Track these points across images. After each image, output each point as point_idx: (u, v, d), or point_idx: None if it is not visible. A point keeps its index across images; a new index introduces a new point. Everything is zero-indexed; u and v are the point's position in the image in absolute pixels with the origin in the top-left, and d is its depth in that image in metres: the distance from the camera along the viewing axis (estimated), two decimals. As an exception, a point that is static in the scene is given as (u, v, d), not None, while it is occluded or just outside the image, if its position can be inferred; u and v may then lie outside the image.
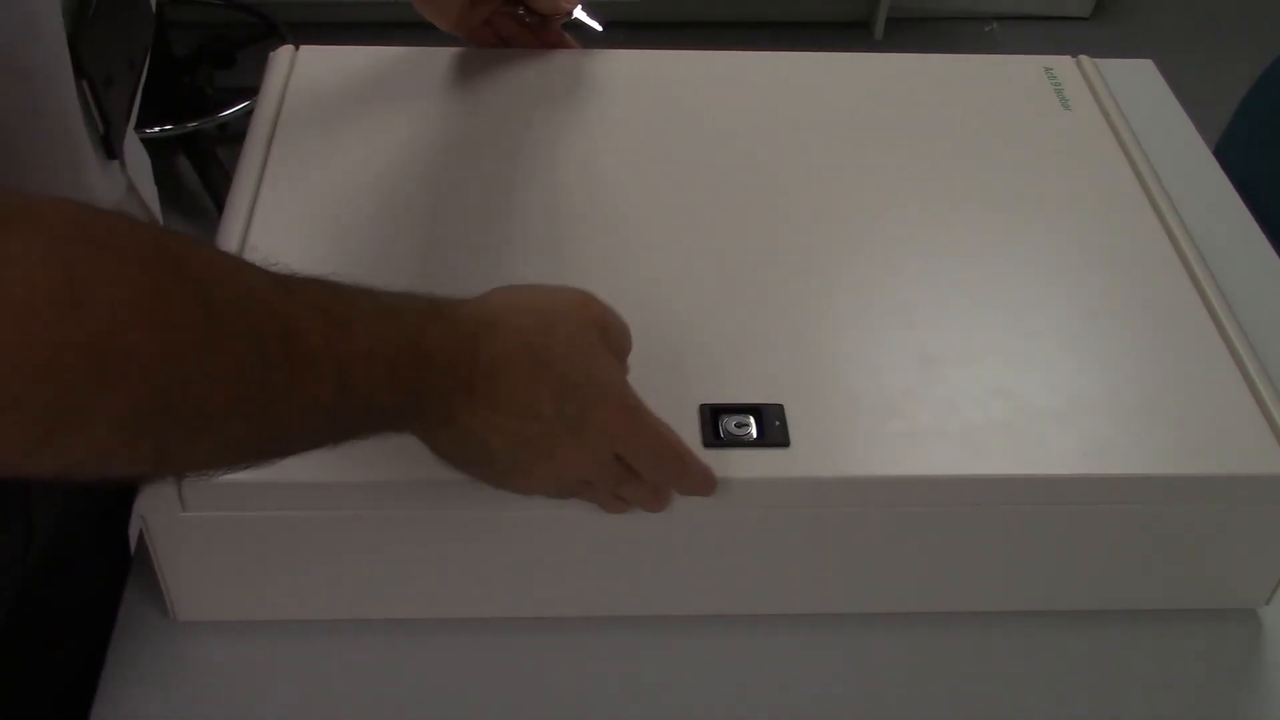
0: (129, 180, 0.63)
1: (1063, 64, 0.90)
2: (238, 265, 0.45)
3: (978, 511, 0.63)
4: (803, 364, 0.65)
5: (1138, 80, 1.00)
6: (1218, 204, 0.91)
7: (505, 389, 0.52)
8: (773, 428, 0.61)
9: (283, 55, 0.85)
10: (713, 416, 0.62)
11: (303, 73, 0.84)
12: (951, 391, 0.64)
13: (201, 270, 0.42)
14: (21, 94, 0.50)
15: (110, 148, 0.56)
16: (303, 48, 0.86)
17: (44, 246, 0.37)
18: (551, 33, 0.87)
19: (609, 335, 0.56)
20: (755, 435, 0.61)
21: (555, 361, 0.53)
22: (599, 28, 0.86)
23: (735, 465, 0.60)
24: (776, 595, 0.67)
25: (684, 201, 0.76)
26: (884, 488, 0.61)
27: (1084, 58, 0.91)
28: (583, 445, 0.54)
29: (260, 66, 0.84)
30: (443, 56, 0.86)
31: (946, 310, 0.69)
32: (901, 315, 0.69)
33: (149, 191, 0.66)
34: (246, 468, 0.46)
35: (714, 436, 0.61)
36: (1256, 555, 0.66)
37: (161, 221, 0.69)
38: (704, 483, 0.58)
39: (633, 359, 0.59)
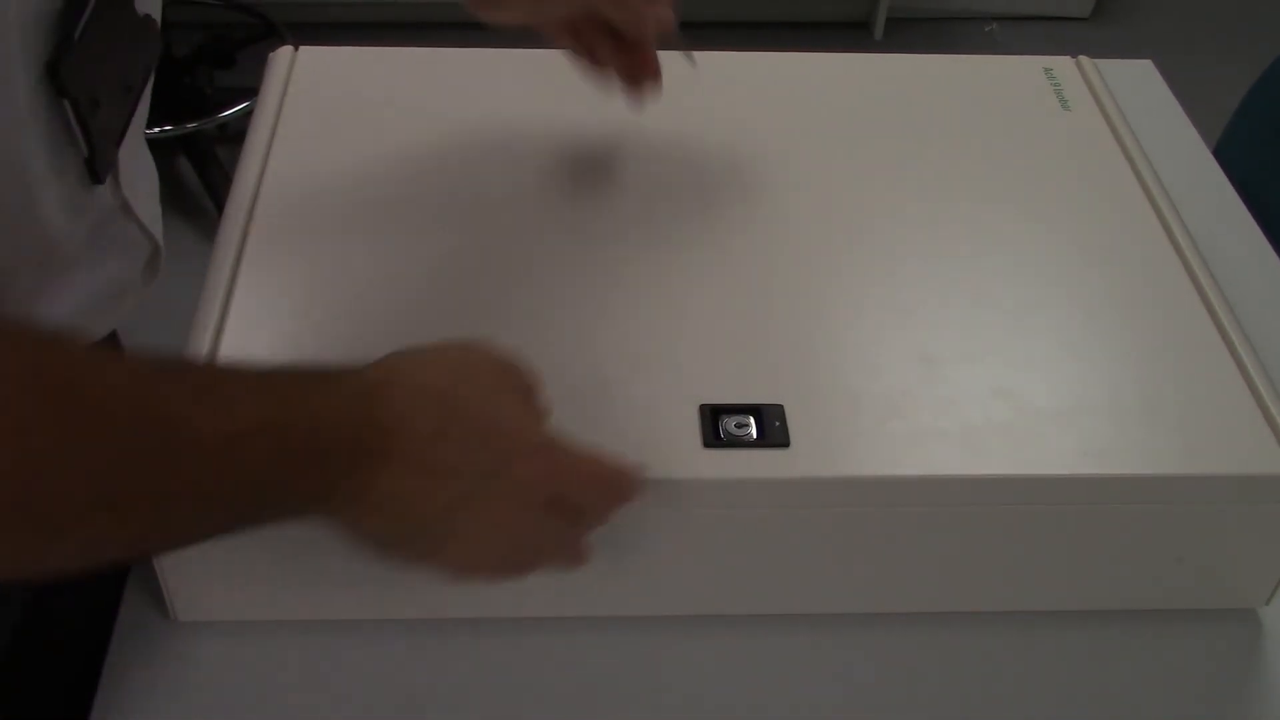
0: (123, 200, 0.61)
1: (1063, 64, 0.90)
2: (114, 363, 0.44)
3: (978, 511, 0.63)
4: (803, 364, 0.65)
5: (1137, 80, 1.00)
6: (1218, 204, 0.91)
7: (412, 447, 0.49)
8: (773, 428, 0.61)
9: (283, 55, 0.85)
10: (713, 416, 0.62)
11: (303, 73, 0.84)
12: (951, 391, 0.64)
13: (64, 366, 0.42)
14: None
15: (94, 172, 0.54)
16: (303, 48, 0.86)
17: None
18: (644, 54, 0.73)
19: (509, 376, 0.54)
20: (755, 435, 0.61)
21: (459, 412, 0.50)
22: (694, 63, 0.75)
23: (735, 465, 0.60)
24: (776, 595, 0.67)
25: (684, 202, 0.76)
26: (884, 488, 0.61)
27: (1084, 58, 0.91)
28: (513, 498, 0.51)
29: (260, 66, 0.84)
30: (443, 57, 0.86)
31: (946, 310, 0.69)
32: (901, 315, 0.69)
33: (149, 210, 0.64)
34: (123, 560, 0.45)
35: (714, 436, 0.61)
36: (1256, 555, 0.66)
37: (161, 237, 0.68)
38: (635, 488, 0.55)
39: (633, 360, 0.59)
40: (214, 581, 0.64)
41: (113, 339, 0.70)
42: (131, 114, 0.58)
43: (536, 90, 0.83)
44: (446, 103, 0.82)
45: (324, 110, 0.81)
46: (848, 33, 2.56)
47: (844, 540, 0.64)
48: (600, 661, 0.65)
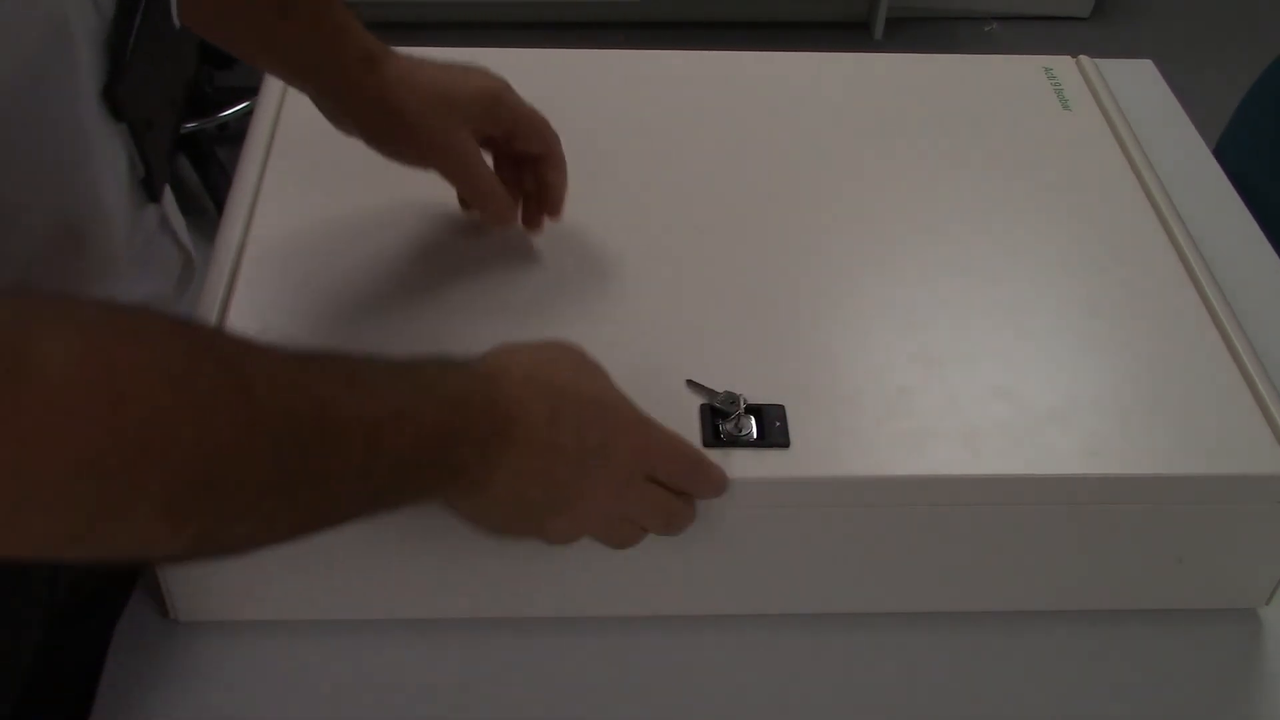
0: (162, 214, 0.62)
1: (1063, 64, 0.90)
2: (264, 346, 0.45)
3: (978, 511, 0.63)
4: (803, 364, 0.65)
5: (1138, 80, 1.00)
6: (1218, 204, 0.91)
7: (531, 430, 0.52)
8: (773, 428, 0.61)
9: (283, 55, 0.85)
10: (713, 417, 0.62)
11: (303, 73, 0.84)
12: (951, 391, 0.64)
13: (233, 353, 0.44)
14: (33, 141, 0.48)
15: (152, 191, 0.55)
16: (303, 48, 0.86)
17: (82, 344, 0.38)
18: (550, 201, 0.71)
19: (596, 365, 0.57)
20: (755, 435, 0.61)
21: (567, 393, 0.54)
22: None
23: (735, 465, 0.60)
24: (776, 595, 0.67)
25: (684, 202, 0.76)
26: (884, 488, 0.61)
27: (1084, 58, 0.91)
28: (614, 473, 0.55)
29: (260, 67, 0.84)
30: (442, 56, 0.86)
31: (946, 310, 0.69)
32: (901, 315, 0.69)
33: (179, 222, 0.65)
34: (283, 544, 0.47)
35: (714, 437, 0.61)
36: (1256, 555, 0.66)
37: (192, 247, 0.68)
38: (721, 481, 0.59)
39: (634, 360, 0.59)
40: (214, 581, 0.64)
41: None
42: (178, 129, 0.58)
43: (536, 90, 0.83)
44: (446, 103, 0.82)
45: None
46: (848, 33, 2.56)
47: (844, 540, 0.64)
48: (600, 662, 0.65)
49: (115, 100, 0.49)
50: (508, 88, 0.66)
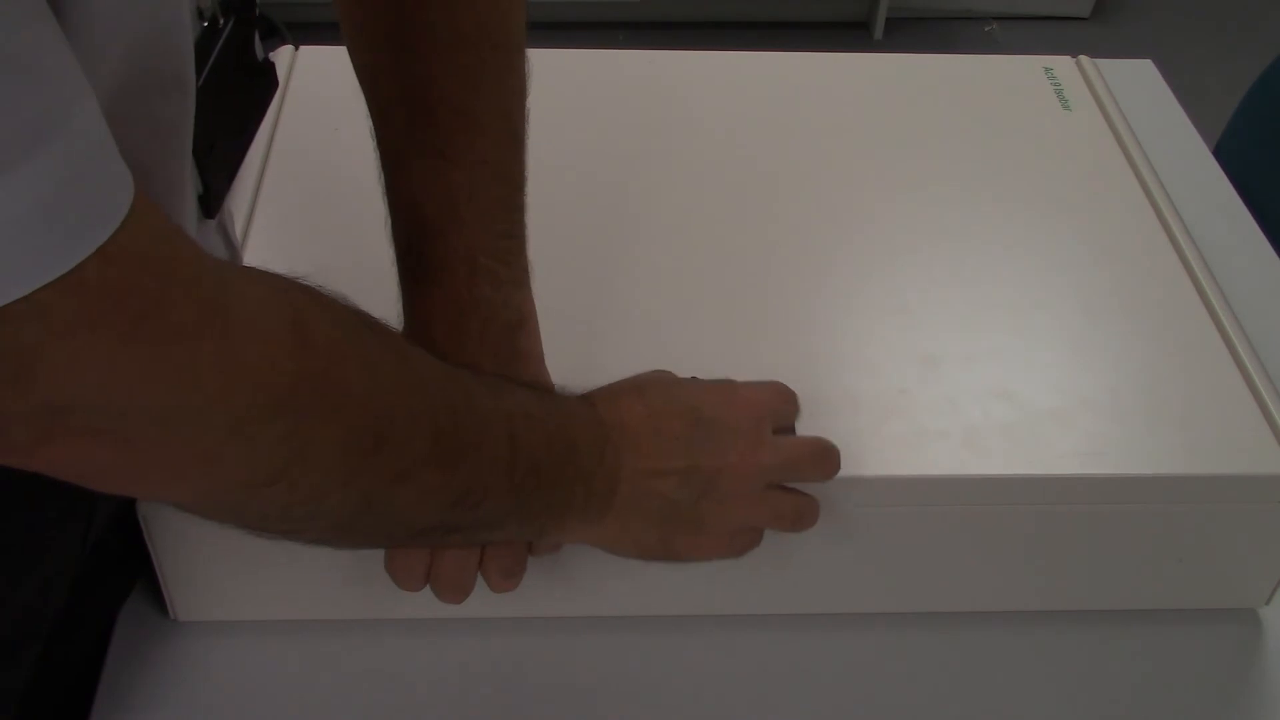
0: (223, 225, 0.62)
1: (1063, 64, 0.90)
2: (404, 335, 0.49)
3: (978, 511, 0.63)
4: (803, 364, 0.65)
5: (1138, 80, 1.00)
6: (1218, 204, 0.91)
7: (650, 447, 0.54)
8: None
9: (283, 55, 0.85)
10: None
11: (303, 73, 0.84)
12: (951, 391, 0.64)
13: (390, 333, 0.47)
14: (154, 143, 0.49)
15: (207, 207, 0.57)
16: (303, 48, 0.86)
17: (273, 292, 0.42)
18: None
19: (698, 383, 0.58)
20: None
21: (683, 414, 0.55)
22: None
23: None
24: (777, 595, 0.67)
25: (684, 202, 0.76)
26: (884, 488, 0.61)
27: (1084, 58, 0.91)
28: (734, 492, 0.56)
29: (260, 66, 0.84)
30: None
31: (947, 310, 0.69)
32: (901, 315, 0.69)
33: (232, 224, 0.65)
34: (440, 534, 0.50)
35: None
36: (1256, 555, 0.66)
37: (240, 248, 0.68)
38: (836, 462, 0.59)
39: (634, 361, 0.59)
40: (214, 581, 0.64)
41: None
42: (245, 151, 0.59)
43: (536, 90, 0.83)
44: (446, 103, 0.82)
45: (324, 110, 0.81)
46: (848, 33, 2.56)
47: (844, 540, 0.64)
48: (600, 661, 0.65)
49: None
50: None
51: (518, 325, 0.60)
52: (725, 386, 0.59)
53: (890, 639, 0.67)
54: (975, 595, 0.68)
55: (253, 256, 0.70)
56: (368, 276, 0.70)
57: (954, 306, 0.70)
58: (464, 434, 0.47)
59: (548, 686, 0.64)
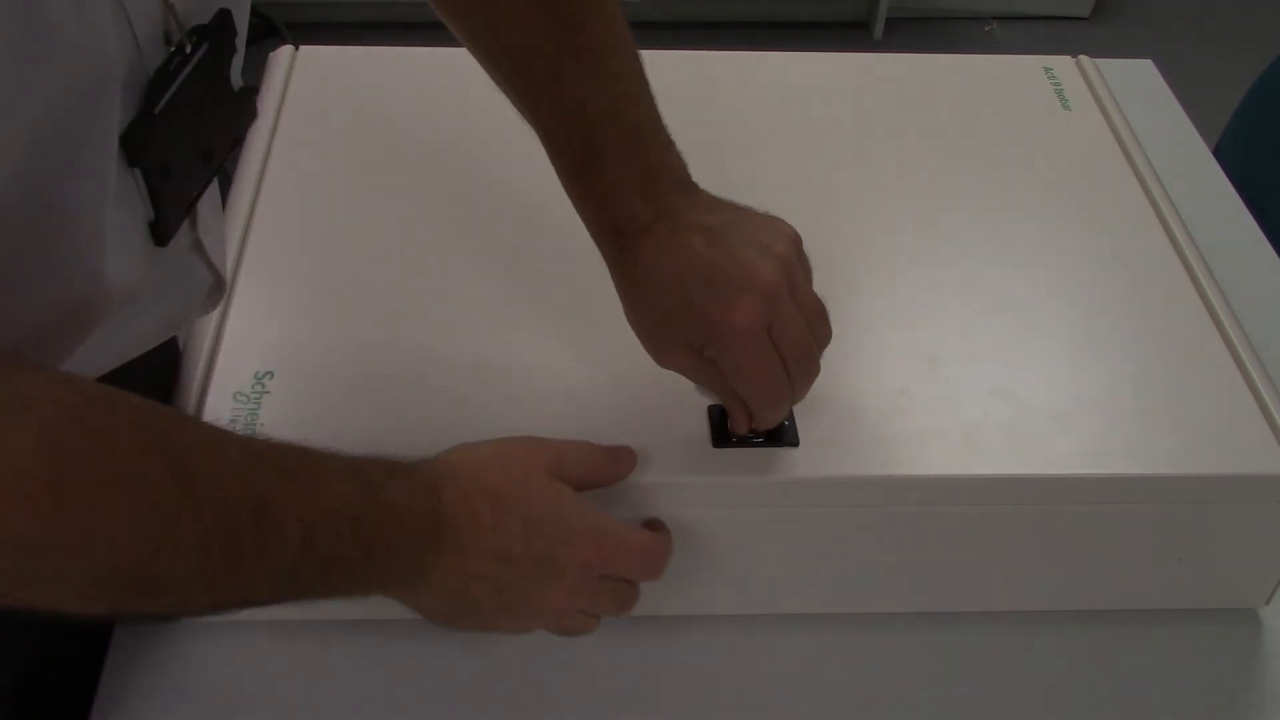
0: (195, 239, 0.60)
1: (1063, 64, 0.90)
2: (219, 440, 0.48)
3: (978, 511, 0.63)
4: (803, 364, 0.65)
5: (1138, 80, 1.00)
6: (1218, 204, 0.91)
7: (470, 535, 0.54)
8: (783, 427, 0.61)
9: (283, 55, 0.85)
10: (721, 418, 0.62)
11: (303, 73, 0.84)
12: (952, 391, 0.64)
13: (182, 449, 0.46)
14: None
15: (157, 235, 0.55)
16: (303, 48, 0.86)
17: (37, 437, 0.41)
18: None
19: (566, 467, 0.57)
20: (765, 435, 0.61)
21: (515, 502, 0.55)
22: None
23: (743, 466, 0.60)
24: (779, 595, 0.67)
25: (684, 201, 0.76)
26: (884, 488, 0.61)
27: (1084, 58, 0.91)
28: (565, 580, 0.56)
29: (260, 66, 0.84)
30: (442, 56, 0.85)
31: (947, 310, 0.69)
32: (902, 315, 0.69)
33: (218, 246, 0.63)
34: (203, 616, 0.50)
35: (722, 437, 0.61)
36: (1256, 555, 0.66)
37: (225, 268, 0.66)
38: (665, 556, 0.60)
39: (641, 363, 0.59)
40: (214, 581, 0.64)
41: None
42: (210, 179, 0.58)
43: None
44: (446, 103, 0.82)
45: (324, 110, 0.81)
46: (848, 33, 2.56)
47: (844, 540, 0.64)
48: (602, 661, 0.65)
49: (127, 146, 0.49)
50: (729, 326, 0.56)
51: (687, 178, 0.61)
52: (593, 521, 0.57)
53: (890, 638, 0.67)
54: (975, 595, 0.68)
55: (253, 256, 0.70)
56: (367, 276, 0.70)
57: (954, 306, 0.70)
58: (239, 552, 0.46)
59: (548, 686, 0.64)
